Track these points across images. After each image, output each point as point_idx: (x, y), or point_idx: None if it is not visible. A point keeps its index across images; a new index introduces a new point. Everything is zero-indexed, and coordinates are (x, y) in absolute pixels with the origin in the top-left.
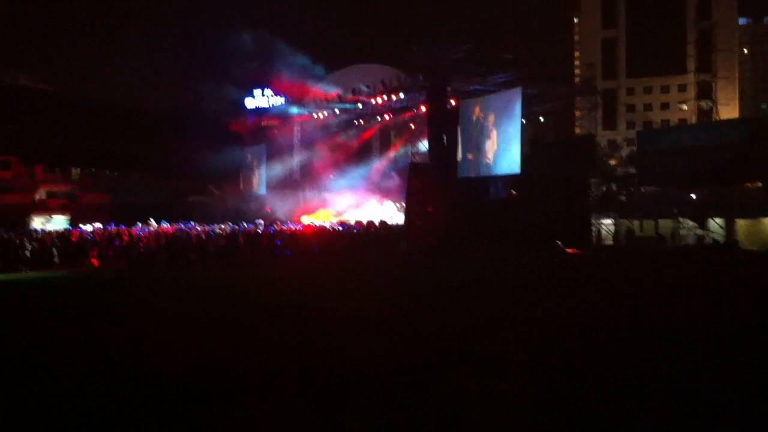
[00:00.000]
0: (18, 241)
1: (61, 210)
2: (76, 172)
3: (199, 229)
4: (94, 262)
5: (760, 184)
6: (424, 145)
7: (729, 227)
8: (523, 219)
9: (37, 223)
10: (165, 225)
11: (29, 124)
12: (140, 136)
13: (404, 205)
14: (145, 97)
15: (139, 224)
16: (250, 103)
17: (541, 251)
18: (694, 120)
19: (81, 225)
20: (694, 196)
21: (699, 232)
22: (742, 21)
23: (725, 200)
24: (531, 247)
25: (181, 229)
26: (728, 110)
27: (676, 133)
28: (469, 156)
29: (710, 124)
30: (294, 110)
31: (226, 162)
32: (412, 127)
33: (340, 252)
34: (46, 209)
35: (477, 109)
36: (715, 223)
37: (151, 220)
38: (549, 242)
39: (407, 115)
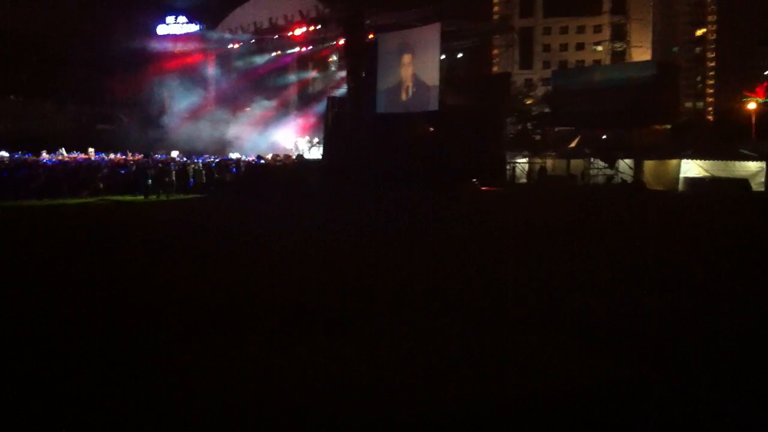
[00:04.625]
0: None
1: None
2: None
3: (108, 159)
4: None
5: (668, 126)
6: (342, 78)
7: (637, 168)
8: (439, 155)
9: None
10: (75, 154)
11: None
12: (45, 60)
13: (320, 139)
14: (49, 19)
15: (45, 153)
16: (162, 29)
17: (457, 188)
18: (608, 61)
19: None
20: (604, 137)
21: (609, 172)
22: None
23: (634, 142)
24: (447, 184)
25: (90, 160)
26: (641, 52)
27: (589, 74)
28: (387, 91)
29: (621, 65)
30: (209, 38)
31: (137, 90)
32: (331, 59)
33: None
34: None
35: (395, 44)
36: (624, 164)
37: (62, 150)
38: (465, 179)
39: (325, 52)
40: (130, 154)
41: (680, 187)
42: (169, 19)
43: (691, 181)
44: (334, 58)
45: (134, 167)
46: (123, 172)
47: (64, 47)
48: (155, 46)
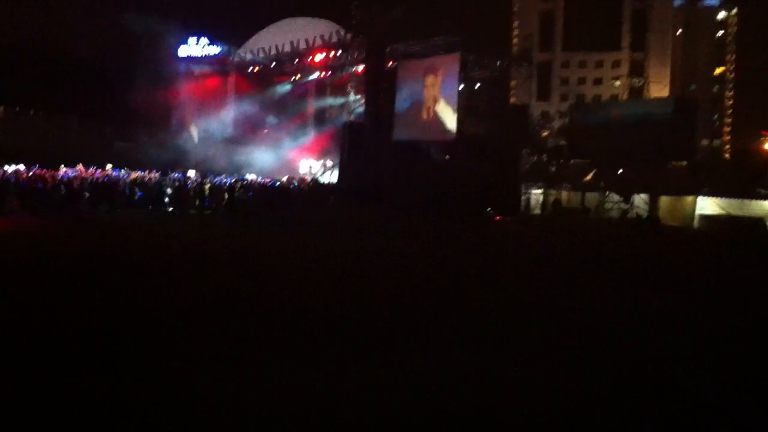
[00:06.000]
0: None
1: None
2: None
3: (129, 176)
4: (16, 205)
5: (684, 163)
6: (360, 105)
7: (653, 203)
8: (454, 184)
9: None
10: (92, 169)
11: None
12: (66, 78)
13: (335, 162)
14: (70, 37)
15: (63, 167)
16: (183, 50)
17: (471, 217)
18: (625, 97)
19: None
20: (621, 171)
21: (624, 206)
22: (678, 2)
23: (650, 177)
24: (461, 212)
25: (108, 176)
26: (659, 89)
27: (606, 109)
28: (405, 118)
29: (638, 101)
30: (229, 60)
31: (156, 109)
32: (349, 85)
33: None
34: None
35: (415, 72)
36: (640, 198)
37: (80, 165)
38: (479, 208)
39: (344, 78)
40: (147, 172)
41: (695, 224)
42: (191, 40)
43: (707, 219)
44: (353, 84)
45: (151, 184)
46: (140, 194)
47: (86, 64)
48: (176, 66)
